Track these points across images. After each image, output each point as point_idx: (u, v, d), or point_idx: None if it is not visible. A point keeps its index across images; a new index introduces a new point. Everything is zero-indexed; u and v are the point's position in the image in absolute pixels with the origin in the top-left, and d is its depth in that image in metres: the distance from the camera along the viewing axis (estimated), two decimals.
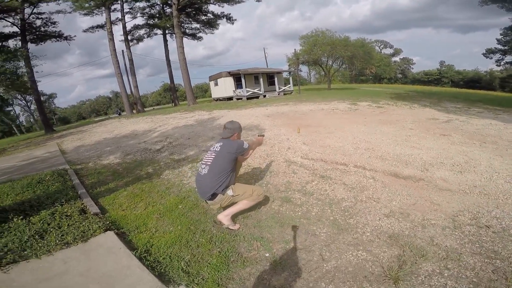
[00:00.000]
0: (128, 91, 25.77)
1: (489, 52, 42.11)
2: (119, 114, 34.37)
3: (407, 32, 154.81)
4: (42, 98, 28.39)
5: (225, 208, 2.77)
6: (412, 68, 69.75)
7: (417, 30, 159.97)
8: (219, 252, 2.33)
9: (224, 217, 2.70)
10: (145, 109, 29.65)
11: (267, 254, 2.28)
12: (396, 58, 68.78)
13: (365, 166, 4.12)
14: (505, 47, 39.27)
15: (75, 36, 24.10)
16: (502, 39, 38.85)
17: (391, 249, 2.23)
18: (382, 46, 67.87)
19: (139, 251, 2.34)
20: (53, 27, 22.56)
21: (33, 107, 53.35)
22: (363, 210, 2.87)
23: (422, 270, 1.97)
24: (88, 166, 6.00)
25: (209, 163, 2.73)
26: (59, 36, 22.96)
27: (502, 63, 42.54)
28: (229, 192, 2.69)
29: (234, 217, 2.81)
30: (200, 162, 2.97)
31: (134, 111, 25.09)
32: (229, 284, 1.98)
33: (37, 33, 22.12)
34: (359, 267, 2.07)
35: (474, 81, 51.62)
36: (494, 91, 37.05)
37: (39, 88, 23.44)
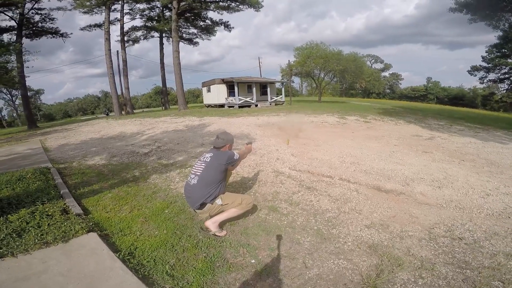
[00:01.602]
0: (119, 92, 25.41)
1: (473, 70, 43.82)
2: (107, 114, 33.76)
3: (398, 48, 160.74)
4: (28, 94, 27.59)
5: (213, 216, 2.79)
6: (400, 84, 72.10)
7: (408, 46, 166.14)
8: (205, 257, 2.35)
9: (211, 224, 2.72)
10: (135, 111, 29.24)
11: (253, 261, 2.32)
12: (386, 73, 70.93)
13: (350, 179, 4.24)
14: (489, 65, 41.09)
15: (71, 33, 23.98)
16: (487, 56, 40.43)
17: (370, 258, 2.31)
18: (373, 60, 70.06)
19: (122, 253, 2.33)
20: (51, 23, 22.44)
21: (17, 101, 51.73)
22: (345, 221, 2.96)
23: (398, 278, 2.06)
24: (72, 166, 5.87)
25: (198, 173, 2.75)
26: (55, 32, 22.79)
27: (485, 80, 44.32)
28: (218, 201, 2.72)
29: (221, 224, 2.83)
30: (190, 171, 3.00)
31: (123, 112, 24.72)
32: None
33: (34, 28, 21.88)
34: (339, 275, 2.13)
35: (458, 98, 53.71)
36: (476, 108, 38.63)
37: (27, 84, 22.90)
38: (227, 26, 27.93)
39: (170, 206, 3.46)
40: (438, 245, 2.49)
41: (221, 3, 24.29)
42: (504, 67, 39.33)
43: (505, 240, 2.53)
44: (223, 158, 2.78)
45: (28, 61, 20.47)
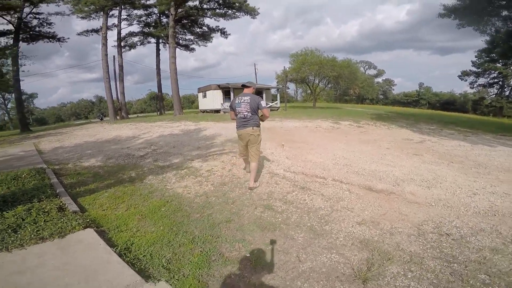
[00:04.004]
0: (114, 97, 25.36)
1: (464, 75, 44.52)
2: (101, 119, 33.51)
3: (391, 54, 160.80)
4: (22, 97, 27.41)
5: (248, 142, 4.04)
6: (393, 89, 73.00)
7: (400, 52, 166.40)
8: (201, 251, 2.40)
9: (252, 184, 4.02)
10: (129, 116, 29.14)
11: (248, 255, 2.38)
12: (379, 79, 71.76)
13: (342, 180, 4.35)
14: (479, 70, 41.82)
15: (68, 38, 24.02)
16: (477, 61, 41.10)
17: (361, 252, 2.39)
18: (367, 67, 70.90)
19: (119, 248, 2.38)
20: (48, 28, 22.55)
21: (10, 105, 51.10)
22: (338, 218, 3.05)
23: (388, 272, 2.13)
24: (67, 167, 5.87)
25: (248, 110, 3.93)
26: (52, 37, 22.88)
27: (475, 85, 45.00)
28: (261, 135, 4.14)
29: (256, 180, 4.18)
30: (239, 112, 4.00)
31: (118, 117, 24.62)
32: (209, 281, 2.05)
33: (31, 32, 22.00)
34: (332, 268, 2.20)
35: (449, 103, 54.22)
36: (467, 113, 38.98)
37: (21, 87, 22.85)
38: (223, 32, 28.21)
39: (167, 204, 3.51)
40: (426, 240, 2.58)
41: (218, 10, 24.60)
42: (493, 71, 40.09)
43: (490, 236, 2.63)
44: (258, 98, 3.99)
45: (24, 65, 20.55)
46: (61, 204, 3.28)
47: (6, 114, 55.97)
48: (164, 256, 2.32)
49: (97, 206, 3.51)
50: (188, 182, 4.47)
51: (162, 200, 3.66)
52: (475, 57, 40.90)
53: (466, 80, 45.09)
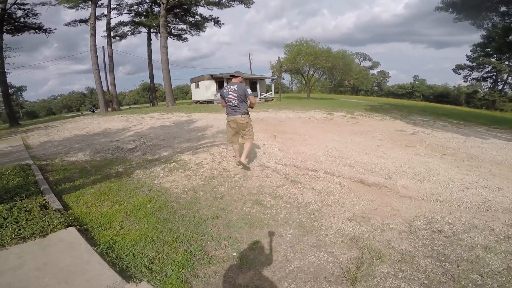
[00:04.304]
0: (105, 88, 24.79)
1: (458, 68, 44.89)
2: (93, 111, 32.89)
3: (386, 46, 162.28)
4: (10, 91, 26.70)
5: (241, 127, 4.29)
6: (388, 81, 72.97)
7: (395, 44, 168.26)
8: (185, 250, 2.32)
9: (244, 159, 4.28)
10: (121, 108, 28.64)
11: (234, 254, 2.31)
12: (374, 71, 71.64)
13: (334, 172, 4.28)
14: (473, 63, 42.20)
15: (55, 29, 23.43)
16: (472, 55, 41.50)
17: (351, 251, 2.33)
18: (362, 58, 70.55)
19: (101, 248, 2.29)
20: (34, 18, 21.97)
21: None
22: (328, 214, 2.99)
23: (378, 271, 2.05)
24: (54, 163, 5.70)
25: (236, 98, 4.16)
26: (38, 28, 22.28)
27: (469, 79, 45.57)
28: (250, 121, 4.38)
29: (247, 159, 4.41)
30: (228, 100, 4.23)
31: (109, 109, 24.16)
32: (193, 281, 1.98)
33: (16, 24, 21.36)
34: (320, 267, 2.13)
35: (442, 96, 54.70)
36: (460, 106, 39.39)
37: (8, 80, 22.25)
38: (217, 22, 27.57)
39: (153, 200, 3.41)
40: (418, 237, 2.51)
41: None
42: (487, 66, 40.49)
43: (483, 233, 2.56)
44: (244, 86, 4.23)
45: (9, 57, 19.94)
46: (44, 202, 3.16)
47: None
48: (147, 255, 2.24)
49: (82, 203, 3.40)
50: (176, 176, 4.37)
51: (148, 196, 3.55)
52: (470, 51, 41.35)
53: (460, 74, 45.51)
